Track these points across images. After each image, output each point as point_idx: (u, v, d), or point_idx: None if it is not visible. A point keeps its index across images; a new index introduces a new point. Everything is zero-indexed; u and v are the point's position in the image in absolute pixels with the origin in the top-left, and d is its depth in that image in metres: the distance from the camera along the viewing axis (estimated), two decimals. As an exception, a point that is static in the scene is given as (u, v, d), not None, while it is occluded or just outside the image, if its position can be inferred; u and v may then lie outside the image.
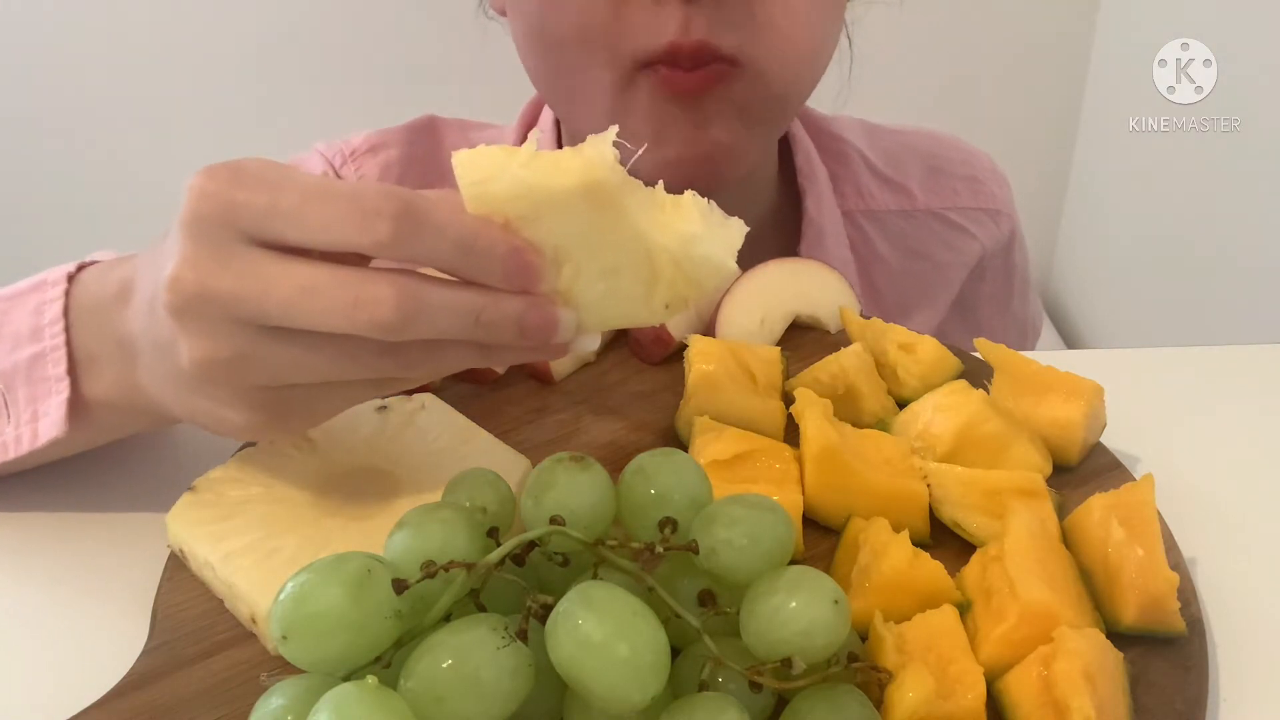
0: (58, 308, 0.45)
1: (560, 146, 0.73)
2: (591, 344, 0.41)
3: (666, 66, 0.55)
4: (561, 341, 0.40)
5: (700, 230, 0.39)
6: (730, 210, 0.41)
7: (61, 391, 0.44)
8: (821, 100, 0.74)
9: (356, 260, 0.37)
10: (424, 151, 0.78)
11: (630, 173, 0.38)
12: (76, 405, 0.45)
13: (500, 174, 0.36)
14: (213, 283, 0.36)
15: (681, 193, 0.40)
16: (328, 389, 0.39)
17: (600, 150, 0.37)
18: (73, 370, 0.44)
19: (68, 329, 0.44)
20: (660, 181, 0.40)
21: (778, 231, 0.76)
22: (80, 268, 0.46)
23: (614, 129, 0.37)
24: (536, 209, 0.37)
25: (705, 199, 0.40)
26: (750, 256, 0.60)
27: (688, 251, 0.39)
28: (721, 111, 0.57)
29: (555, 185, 0.37)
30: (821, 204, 0.75)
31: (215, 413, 0.39)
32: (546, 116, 0.74)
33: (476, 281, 0.37)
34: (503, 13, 0.64)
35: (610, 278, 0.39)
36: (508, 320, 0.38)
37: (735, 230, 0.40)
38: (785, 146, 0.76)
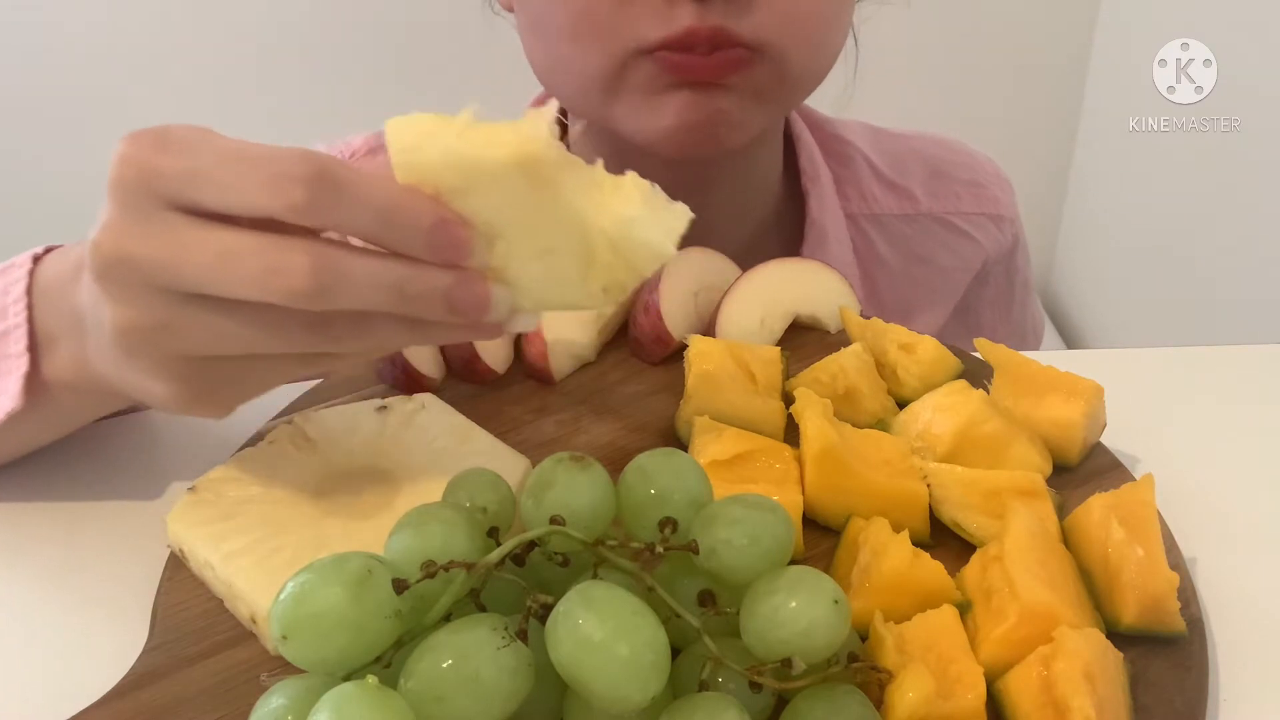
0: (21, 287, 0.45)
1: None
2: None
3: (675, 52, 0.54)
4: (495, 321, 0.38)
5: (639, 213, 0.37)
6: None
7: (21, 368, 0.44)
8: (825, 100, 0.73)
9: (302, 232, 0.36)
10: None
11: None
12: (34, 381, 0.44)
13: (432, 142, 0.35)
14: (131, 248, 0.35)
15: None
16: (254, 362, 0.38)
17: (538, 125, 0.35)
18: (33, 348, 0.44)
19: (30, 308, 0.44)
20: (599, 160, 0.38)
21: (780, 232, 0.76)
22: (48, 250, 0.46)
23: (554, 103, 0.36)
24: (468, 181, 0.36)
25: (649, 182, 0.38)
26: (753, 257, 0.59)
27: (625, 234, 0.37)
28: (734, 91, 0.57)
29: (488, 157, 0.35)
30: (824, 206, 0.75)
31: (141, 384, 0.39)
32: None
33: (401, 253, 0.36)
34: (510, 8, 0.65)
35: (546, 258, 0.38)
36: (435, 294, 0.36)
37: (678, 215, 0.38)
38: (789, 148, 0.76)
